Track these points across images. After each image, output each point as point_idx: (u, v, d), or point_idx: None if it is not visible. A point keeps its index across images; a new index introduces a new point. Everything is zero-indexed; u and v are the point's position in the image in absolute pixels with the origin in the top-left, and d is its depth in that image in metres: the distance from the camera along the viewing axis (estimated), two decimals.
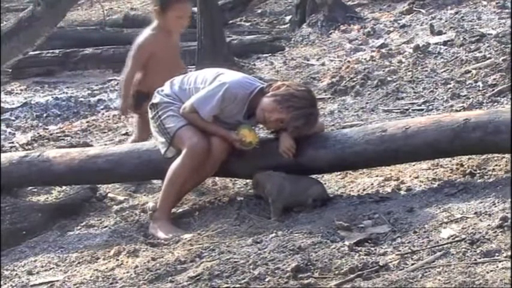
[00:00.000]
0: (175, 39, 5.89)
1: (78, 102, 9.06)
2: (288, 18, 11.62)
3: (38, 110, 8.86)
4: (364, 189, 4.96)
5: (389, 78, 7.40)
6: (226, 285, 3.85)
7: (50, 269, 4.54)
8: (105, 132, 7.52)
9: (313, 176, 4.93)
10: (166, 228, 4.74)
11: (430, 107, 6.53)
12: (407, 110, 6.62)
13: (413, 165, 5.13)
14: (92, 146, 6.62)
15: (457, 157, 5.03)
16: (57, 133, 7.67)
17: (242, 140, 4.79)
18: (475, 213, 4.27)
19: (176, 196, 4.92)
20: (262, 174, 4.78)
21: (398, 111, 6.49)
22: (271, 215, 4.69)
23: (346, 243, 4.13)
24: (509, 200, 4.30)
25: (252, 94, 4.84)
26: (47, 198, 5.63)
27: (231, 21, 12.02)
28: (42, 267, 4.58)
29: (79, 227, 5.10)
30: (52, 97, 9.32)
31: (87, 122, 8.01)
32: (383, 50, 8.54)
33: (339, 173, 5.19)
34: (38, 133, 7.76)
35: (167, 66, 5.67)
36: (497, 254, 3.78)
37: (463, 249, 3.88)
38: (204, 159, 4.82)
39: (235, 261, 4.04)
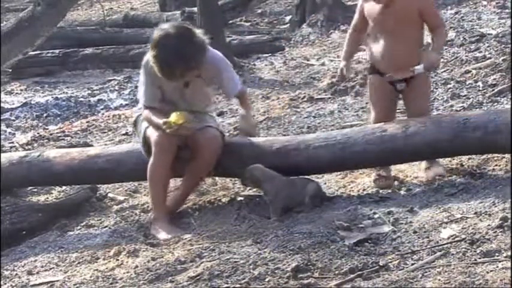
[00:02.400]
0: (396, 8, 4.88)
1: (78, 102, 9.05)
2: (288, 18, 11.61)
3: (38, 110, 8.85)
4: (364, 189, 4.96)
5: None
6: (226, 285, 3.85)
7: (50, 269, 4.54)
8: (105, 132, 7.51)
9: (314, 176, 4.93)
10: (165, 229, 4.74)
11: (430, 107, 6.52)
12: None
13: (413, 165, 5.13)
14: (92, 146, 6.62)
15: (457, 157, 5.03)
16: (57, 133, 7.66)
17: (166, 122, 4.77)
18: (475, 213, 4.27)
19: (163, 193, 4.91)
20: (260, 170, 4.77)
21: (399, 111, 6.48)
22: (271, 215, 4.69)
23: (346, 243, 4.13)
24: (509, 200, 4.30)
25: None
26: (47, 198, 5.64)
27: (231, 21, 12.01)
28: (42, 267, 4.58)
29: (79, 227, 5.10)
30: (52, 97, 9.31)
31: (87, 122, 8.00)
32: None
33: (339, 173, 5.19)
34: (38, 133, 7.76)
35: (383, 38, 4.94)
36: (497, 254, 3.79)
37: (463, 249, 3.89)
38: (173, 149, 4.82)
39: (235, 261, 4.04)
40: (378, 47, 4.97)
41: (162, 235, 4.70)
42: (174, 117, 4.75)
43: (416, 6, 4.89)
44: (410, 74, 4.93)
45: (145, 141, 4.94)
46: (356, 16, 5.12)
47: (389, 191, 4.86)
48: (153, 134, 4.85)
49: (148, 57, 4.83)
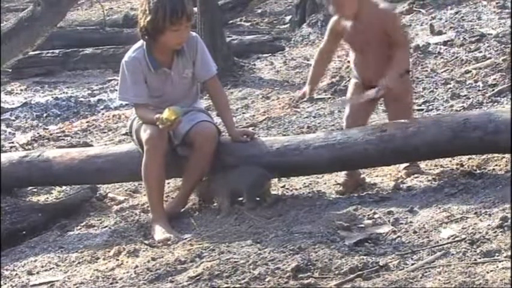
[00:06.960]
0: (362, 27, 4.95)
1: (78, 102, 9.07)
2: (288, 18, 11.62)
3: (38, 110, 8.87)
4: (364, 189, 4.96)
5: None
6: (226, 285, 3.86)
7: (50, 269, 4.54)
8: (105, 132, 7.52)
9: (314, 176, 4.93)
10: (162, 229, 4.73)
11: (430, 107, 6.52)
12: None
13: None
14: (92, 146, 6.62)
15: (457, 157, 5.03)
16: (57, 133, 7.67)
17: (159, 118, 4.77)
18: (475, 213, 4.27)
19: (159, 191, 4.91)
20: (205, 187, 4.93)
21: None
22: (221, 212, 4.79)
23: (346, 243, 4.13)
24: (509, 200, 4.30)
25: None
26: (47, 198, 5.64)
27: (231, 21, 12.02)
28: (42, 267, 4.58)
29: (79, 227, 5.10)
30: (52, 97, 9.33)
31: (87, 122, 8.01)
32: None
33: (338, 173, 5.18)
34: (38, 133, 7.76)
35: (355, 54, 5.10)
36: (497, 254, 3.79)
37: (463, 249, 3.89)
38: (164, 145, 4.83)
39: (235, 261, 4.04)
40: (353, 59, 5.10)
41: (158, 235, 4.69)
42: (166, 113, 4.76)
43: (380, 26, 4.90)
44: (368, 97, 4.96)
45: (140, 143, 4.94)
46: (325, 38, 5.17)
47: (389, 191, 4.86)
48: (144, 131, 4.85)
49: (130, 53, 4.91)
